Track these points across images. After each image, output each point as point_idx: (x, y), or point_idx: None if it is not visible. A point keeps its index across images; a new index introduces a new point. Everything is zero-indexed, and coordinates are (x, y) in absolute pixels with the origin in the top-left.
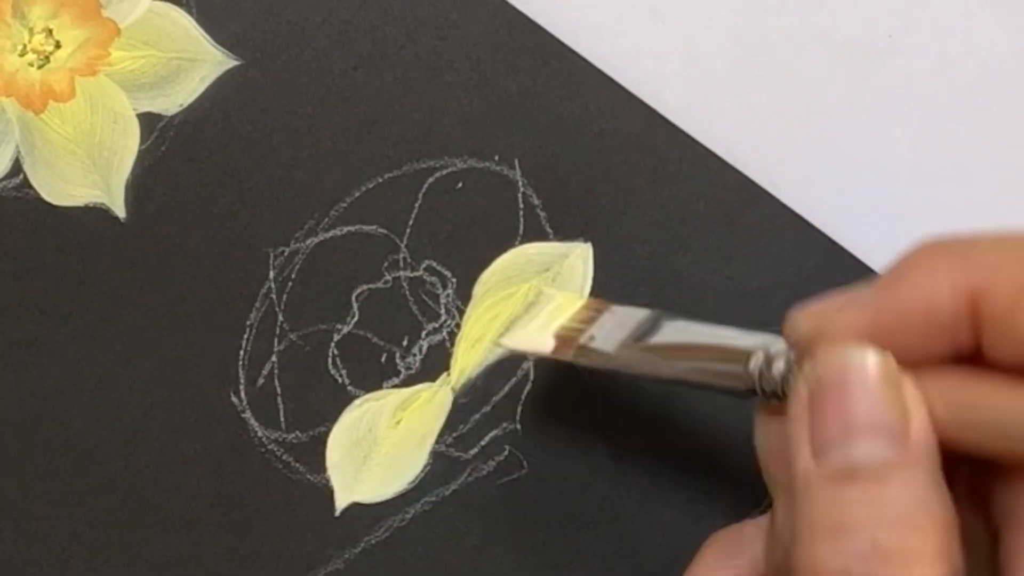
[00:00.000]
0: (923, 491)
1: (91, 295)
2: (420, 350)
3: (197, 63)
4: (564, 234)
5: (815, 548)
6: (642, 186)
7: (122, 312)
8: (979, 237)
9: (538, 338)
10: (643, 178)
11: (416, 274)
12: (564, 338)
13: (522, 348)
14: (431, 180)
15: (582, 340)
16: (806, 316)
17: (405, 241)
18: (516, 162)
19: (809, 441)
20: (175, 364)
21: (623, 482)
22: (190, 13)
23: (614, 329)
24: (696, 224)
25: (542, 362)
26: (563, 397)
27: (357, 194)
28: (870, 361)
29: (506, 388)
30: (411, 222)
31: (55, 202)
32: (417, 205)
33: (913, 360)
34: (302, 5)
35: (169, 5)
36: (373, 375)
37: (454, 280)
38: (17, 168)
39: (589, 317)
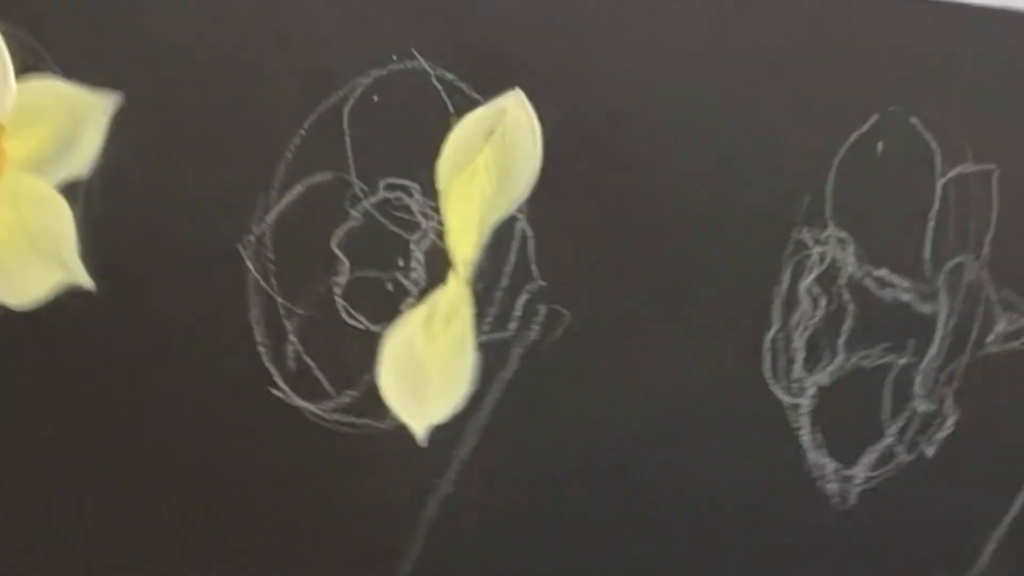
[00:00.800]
0: None
1: (89, 372)
2: (418, 261)
3: (86, 115)
4: (492, 93)
5: None
6: None
7: (133, 372)
8: None
9: None
10: None
11: (378, 197)
12: None
13: None
14: (347, 108)
15: None
16: None
17: (353, 174)
18: (413, 51)
19: None
20: (202, 389)
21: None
22: (54, 72)
23: None
24: None
25: (534, 213)
26: (565, 240)
27: (289, 156)
28: None
29: (512, 253)
30: (349, 154)
31: (23, 302)
32: (347, 137)
33: None
34: (156, 18)
35: (33, 79)
36: (389, 306)
37: (416, 185)
38: None
39: None
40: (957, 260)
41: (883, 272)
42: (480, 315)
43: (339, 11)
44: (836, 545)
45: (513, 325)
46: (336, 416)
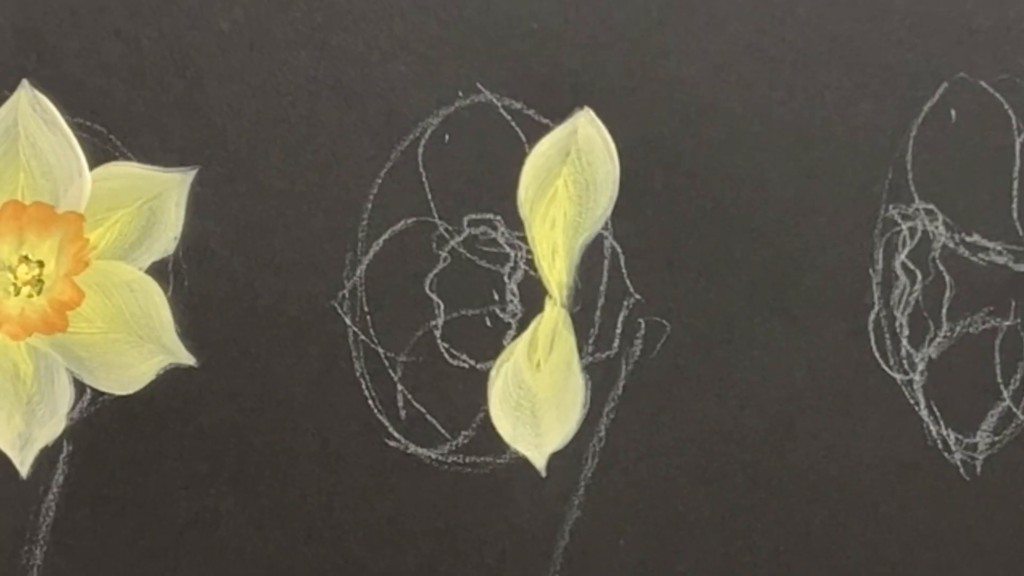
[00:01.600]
0: None
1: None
2: (513, 293)
3: (163, 194)
4: (561, 115)
5: None
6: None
7: (245, 442)
8: None
9: None
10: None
11: (464, 235)
12: None
13: None
14: (420, 151)
15: None
16: None
17: (436, 215)
18: (478, 85)
19: None
20: (317, 450)
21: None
22: (125, 157)
23: None
24: None
25: (621, 228)
26: (655, 251)
27: (370, 206)
28: None
29: (605, 271)
30: (429, 196)
31: (130, 389)
32: (424, 180)
33: None
34: (217, 90)
35: (106, 165)
36: (490, 342)
37: (499, 217)
38: (81, 387)
39: None
40: None
41: (975, 238)
42: (582, 337)
43: (400, 56)
44: (968, 515)
45: (616, 343)
46: (454, 458)
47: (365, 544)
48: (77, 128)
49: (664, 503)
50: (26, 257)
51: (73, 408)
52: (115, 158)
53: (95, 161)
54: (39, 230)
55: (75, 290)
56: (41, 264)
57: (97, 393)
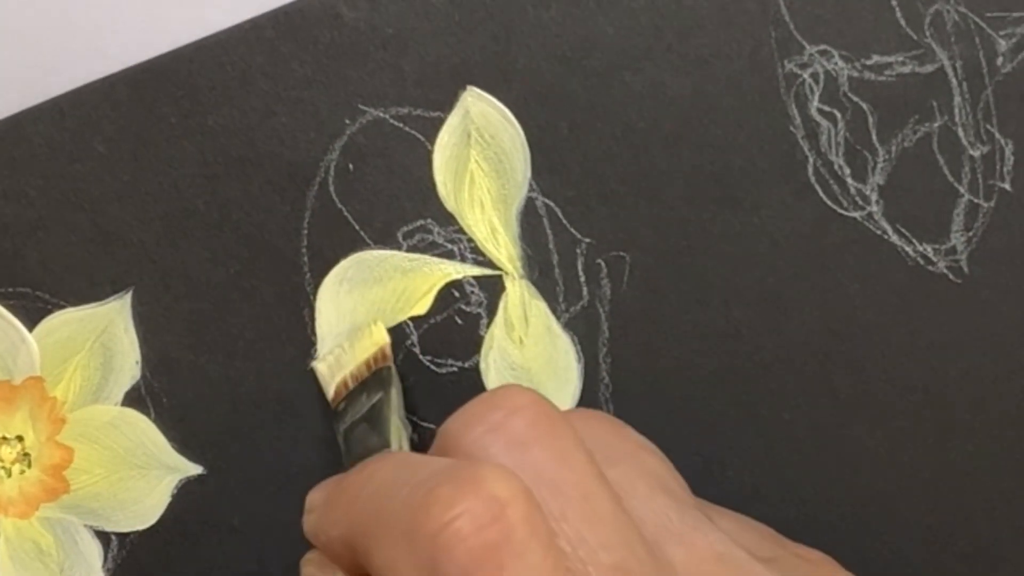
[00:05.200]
0: None
1: None
2: (471, 284)
3: (108, 327)
4: (449, 103)
5: None
6: None
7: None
8: (369, 480)
9: (332, 376)
10: None
11: (404, 248)
12: (338, 392)
13: (320, 375)
14: (331, 188)
15: (337, 406)
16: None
17: (370, 241)
18: (359, 106)
19: None
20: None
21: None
22: (59, 307)
23: (357, 405)
24: None
25: (545, 184)
26: (583, 192)
27: (306, 259)
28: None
29: (547, 229)
30: (356, 226)
31: (153, 521)
32: (346, 212)
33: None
34: (119, 215)
35: (44, 322)
36: (468, 337)
37: (430, 220)
38: (105, 537)
39: (362, 374)
40: (934, 9)
41: (874, 59)
42: (551, 299)
43: (276, 109)
44: (971, 314)
45: (585, 291)
46: None
47: None
48: (2, 299)
49: (683, 422)
50: (4, 438)
51: (105, 559)
52: (49, 311)
53: (31, 322)
54: (5, 407)
55: (63, 450)
56: (20, 439)
57: (123, 536)
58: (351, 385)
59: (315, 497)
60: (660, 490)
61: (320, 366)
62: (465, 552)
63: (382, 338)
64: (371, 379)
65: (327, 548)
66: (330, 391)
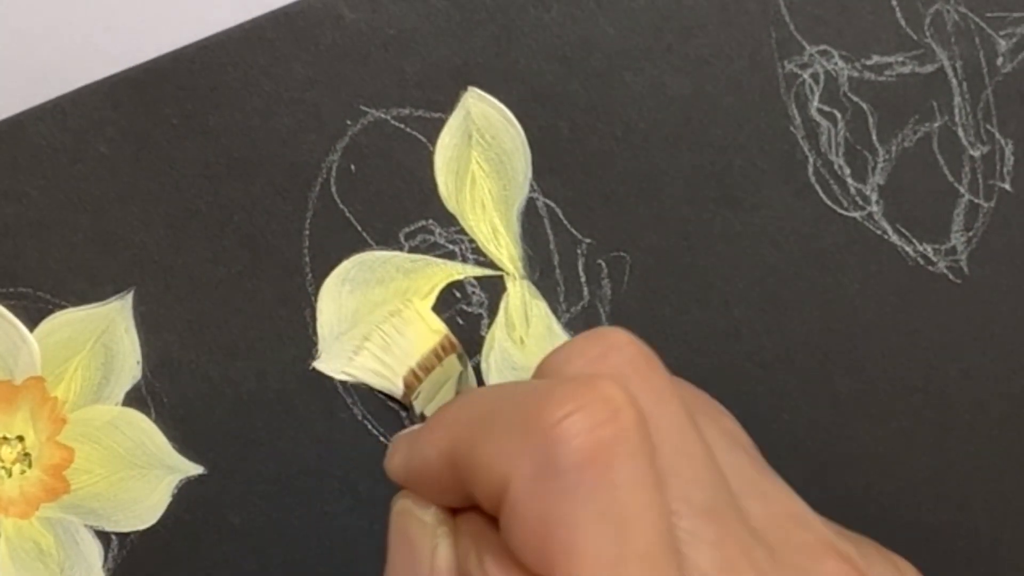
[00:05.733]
0: None
1: None
2: (472, 284)
3: (109, 327)
4: (450, 104)
5: None
6: None
7: (272, 532)
8: (470, 400)
9: (391, 377)
10: None
11: (406, 250)
12: (408, 384)
13: (375, 383)
14: (333, 189)
15: (413, 396)
16: (389, 448)
17: (372, 242)
18: (361, 107)
19: None
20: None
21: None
22: (60, 307)
23: (433, 386)
24: None
25: (546, 184)
26: (584, 191)
27: (308, 259)
28: (411, 512)
29: (548, 230)
30: (359, 227)
31: (153, 521)
32: (348, 213)
33: (455, 503)
34: (120, 215)
35: (45, 322)
36: (469, 337)
37: (431, 221)
38: (106, 537)
39: (431, 363)
40: (934, 9)
41: (874, 59)
42: (552, 299)
43: (278, 110)
44: (972, 313)
45: (586, 291)
46: None
47: None
48: (3, 298)
49: None
50: (4, 438)
51: (106, 559)
52: (50, 312)
53: (32, 322)
54: (6, 408)
55: (63, 450)
56: (21, 439)
57: (123, 536)
58: (423, 376)
59: (401, 438)
60: (740, 448)
61: (363, 360)
62: (580, 445)
63: (440, 326)
64: (445, 365)
65: (422, 474)
66: (397, 384)
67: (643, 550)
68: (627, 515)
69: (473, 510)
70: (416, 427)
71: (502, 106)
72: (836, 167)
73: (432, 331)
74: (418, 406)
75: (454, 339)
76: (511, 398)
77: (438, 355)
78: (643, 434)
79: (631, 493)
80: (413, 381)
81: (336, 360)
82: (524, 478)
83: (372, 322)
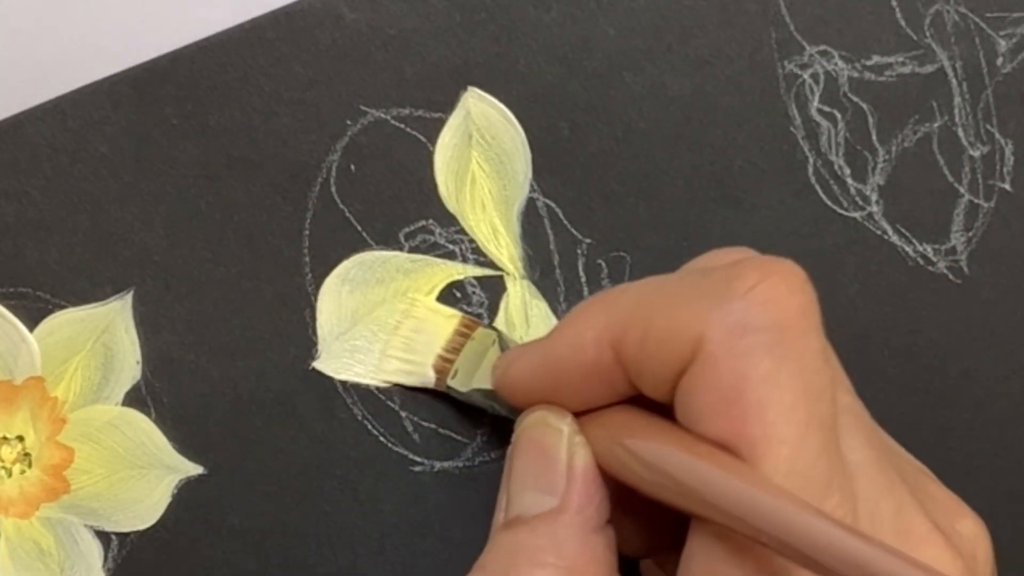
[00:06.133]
0: (565, 535)
1: None
2: (472, 284)
3: (109, 327)
4: (450, 104)
5: None
6: None
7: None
8: (627, 286)
9: (420, 370)
10: None
11: (406, 250)
12: (439, 370)
13: (409, 382)
14: (333, 189)
15: (449, 378)
16: (499, 364)
17: (372, 242)
18: (360, 107)
19: (505, 497)
20: (352, 508)
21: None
22: (60, 307)
23: (472, 362)
24: None
25: (546, 184)
26: (584, 191)
27: (308, 259)
28: (546, 422)
29: (548, 229)
30: (359, 227)
31: (153, 522)
32: (348, 213)
33: (590, 401)
34: (120, 215)
35: (44, 322)
36: None
37: (431, 221)
38: (106, 537)
39: (459, 343)
40: (934, 9)
41: (874, 59)
42: (552, 298)
43: (278, 110)
44: (972, 313)
45: (586, 291)
46: (481, 458)
47: (431, 569)
48: (3, 298)
49: None
50: (4, 438)
51: (106, 559)
52: (50, 311)
53: (32, 322)
54: (6, 407)
55: (63, 450)
56: (21, 439)
57: (123, 536)
58: (452, 357)
59: (515, 350)
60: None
61: (390, 366)
62: (779, 308)
63: (453, 311)
64: (476, 338)
65: (569, 365)
66: (428, 374)
67: (823, 417)
68: (816, 381)
69: (614, 407)
70: (535, 340)
71: (502, 106)
72: (836, 167)
73: (447, 317)
74: (458, 384)
75: (471, 318)
76: (691, 277)
77: (462, 334)
78: (819, 315)
79: (819, 360)
80: (444, 365)
81: (351, 368)
82: (720, 336)
83: (385, 330)
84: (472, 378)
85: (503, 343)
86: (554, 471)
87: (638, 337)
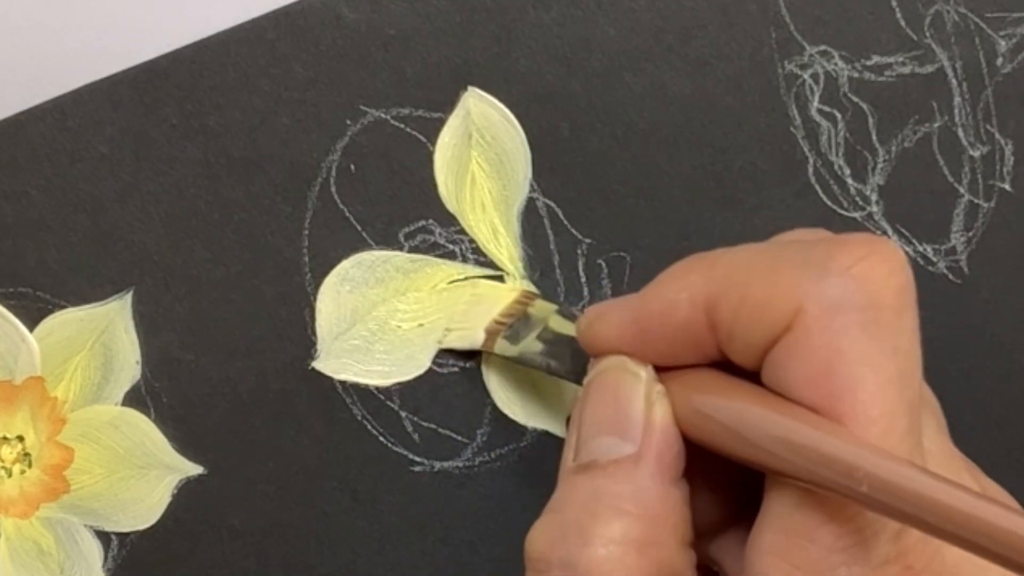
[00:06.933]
0: (645, 484)
1: None
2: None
3: (109, 327)
4: (450, 104)
5: (537, 523)
6: None
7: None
8: (724, 251)
9: (471, 333)
10: None
11: (405, 250)
12: (491, 331)
13: (460, 345)
14: (333, 188)
15: (499, 338)
16: (586, 315)
17: (372, 242)
18: (360, 107)
19: (575, 438)
20: (347, 503)
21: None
22: (59, 307)
23: (525, 325)
24: None
25: (546, 184)
26: (584, 191)
27: (307, 259)
28: (625, 367)
29: (548, 230)
30: (358, 227)
31: (153, 522)
32: (348, 213)
33: (673, 360)
34: (120, 215)
35: (44, 322)
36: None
37: (431, 221)
38: (106, 537)
39: (516, 310)
40: (934, 9)
41: (874, 60)
42: (552, 298)
43: (278, 110)
44: (971, 313)
45: (586, 291)
46: (480, 458)
47: (431, 569)
48: (3, 298)
49: None
50: (4, 438)
51: (106, 560)
52: (50, 311)
53: (32, 322)
54: (6, 407)
55: (63, 450)
56: (21, 439)
57: (123, 536)
58: (507, 321)
59: (604, 303)
60: None
61: (451, 338)
62: (875, 289)
63: (514, 285)
64: (536, 307)
65: (660, 322)
66: (479, 336)
67: (910, 401)
68: (907, 364)
69: (697, 368)
70: (628, 296)
71: (502, 106)
72: (836, 167)
73: (508, 291)
74: (510, 341)
75: (532, 292)
76: (791, 248)
77: (521, 303)
78: (915, 296)
79: (913, 343)
80: (496, 327)
81: (350, 367)
82: (819, 310)
83: (384, 330)
84: (524, 339)
85: (565, 313)
86: (631, 417)
87: (734, 302)
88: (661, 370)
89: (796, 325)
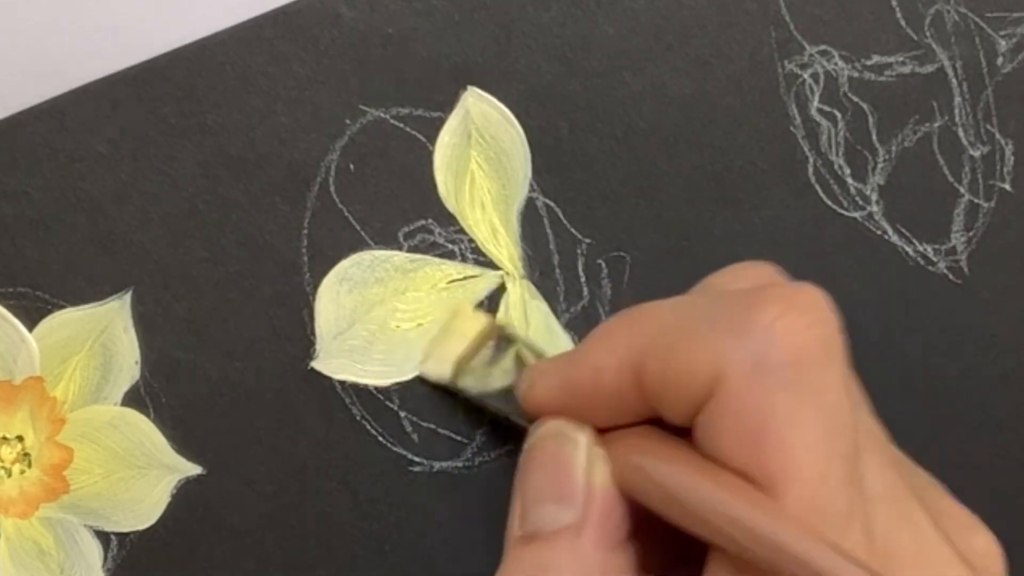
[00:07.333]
0: (587, 553)
1: None
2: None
3: (108, 327)
4: (449, 104)
5: None
6: None
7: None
8: (651, 308)
9: (441, 367)
10: None
11: (405, 249)
12: (459, 365)
13: (432, 379)
14: (332, 188)
15: (464, 376)
16: (526, 376)
17: (371, 242)
18: (360, 107)
19: (519, 506)
20: (344, 503)
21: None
22: (59, 307)
23: (491, 361)
24: None
25: (546, 184)
26: (584, 191)
27: (306, 259)
28: (563, 433)
29: (548, 229)
30: (357, 227)
31: (152, 522)
32: (347, 212)
33: (611, 421)
34: (119, 215)
35: (44, 322)
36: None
37: (431, 220)
38: (105, 537)
39: (480, 344)
40: (934, 9)
41: (874, 59)
42: (552, 299)
43: (277, 109)
44: (972, 313)
45: (586, 291)
46: (480, 458)
47: (431, 569)
48: (2, 298)
49: None
50: (4, 438)
51: (105, 559)
52: (49, 311)
53: (31, 322)
54: (5, 407)
55: (63, 450)
56: (20, 438)
57: (123, 536)
58: (471, 358)
59: (541, 364)
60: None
61: (426, 367)
62: (799, 343)
63: (481, 315)
64: (492, 345)
65: (589, 388)
66: (445, 372)
67: (844, 451)
68: (837, 416)
69: (634, 427)
70: (562, 353)
71: (502, 106)
72: (836, 167)
73: (472, 320)
74: (471, 382)
75: (496, 323)
76: (711, 305)
77: (485, 337)
78: (843, 342)
79: (840, 395)
80: (462, 363)
81: (349, 367)
82: (741, 373)
83: (384, 330)
84: (485, 382)
85: (524, 351)
86: (572, 484)
87: (658, 368)
88: (603, 430)
89: (719, 390)
